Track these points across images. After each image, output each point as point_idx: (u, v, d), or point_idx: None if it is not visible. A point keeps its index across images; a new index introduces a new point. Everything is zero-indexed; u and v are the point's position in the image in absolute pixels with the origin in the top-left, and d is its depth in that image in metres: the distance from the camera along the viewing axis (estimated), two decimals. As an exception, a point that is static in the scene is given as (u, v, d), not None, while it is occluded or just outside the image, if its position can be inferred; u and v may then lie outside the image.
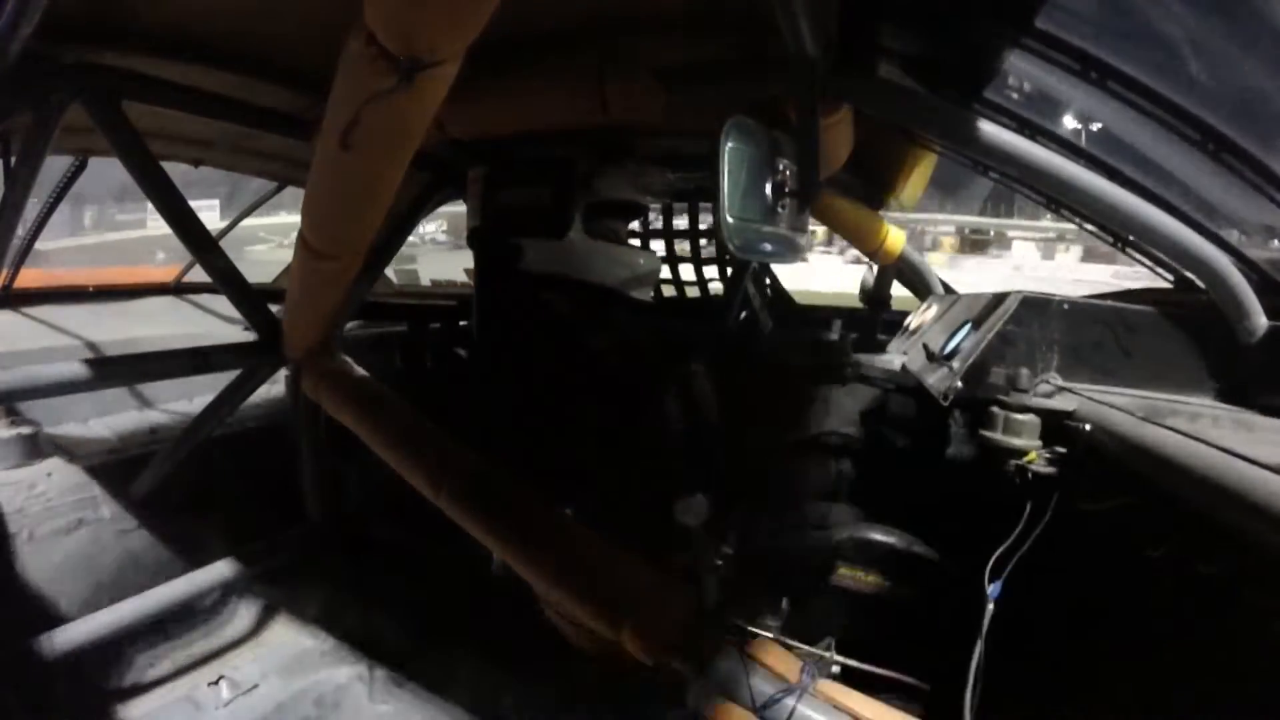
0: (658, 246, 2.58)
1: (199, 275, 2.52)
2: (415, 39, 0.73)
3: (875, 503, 1.30)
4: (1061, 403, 0.90)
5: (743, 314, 2.27)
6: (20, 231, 1.89)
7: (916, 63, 1.17)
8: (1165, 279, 1.67)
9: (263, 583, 1.56)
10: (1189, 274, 1.00)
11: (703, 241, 2.54)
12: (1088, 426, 0.84)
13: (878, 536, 1.20)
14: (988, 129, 1.31)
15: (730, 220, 1.20)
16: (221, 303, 2.40)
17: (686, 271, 2.63)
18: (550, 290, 1.37)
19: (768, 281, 2.40)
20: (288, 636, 1.44)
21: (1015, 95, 1.40)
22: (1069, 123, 1.44)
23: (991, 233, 18.21)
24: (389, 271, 2.69)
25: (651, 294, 1.52)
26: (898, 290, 2.11)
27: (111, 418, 1.82)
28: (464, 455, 1.07)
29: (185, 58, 1.17)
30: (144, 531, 1.51)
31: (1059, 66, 1.22)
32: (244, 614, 1.51)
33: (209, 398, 1.55)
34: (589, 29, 1.13)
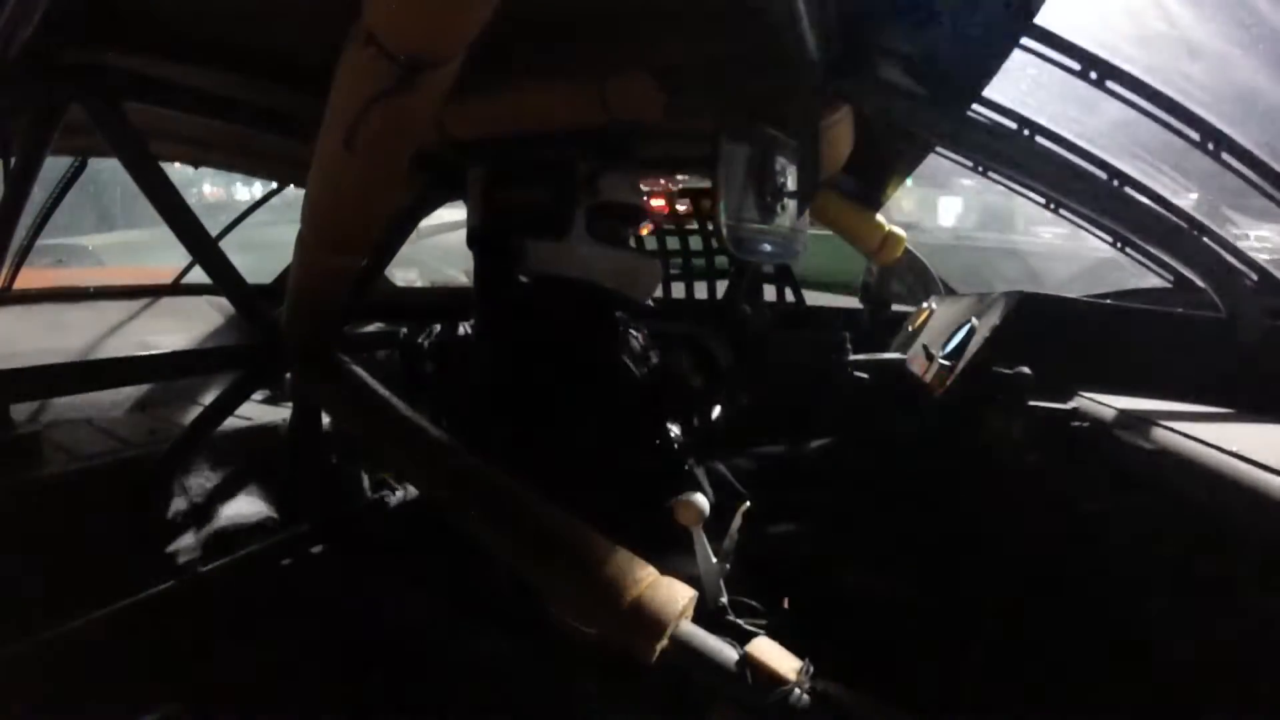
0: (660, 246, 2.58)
1: (199, 276, 2.52)
2: (415, 39, 0.73)
3: (874, 503, 1.30)
4: (1061, 403, 0.90)
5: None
6: (20, 231, 1.89)
7: (916, 63, 1.17)
8: (1165, 279, 1.68)
9: (262, 583, 1.56)
10: (1189, 274, 1.00)
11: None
12: (1088, 426, 0.84)
13: (876, 536, 1.21)
14: (988, 129, 1.31)
15: (729, 221, 1.20)
16: (221, 303, 2.40)
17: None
18: (551, 291, 1.36)
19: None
20: (288, 637, 1.44)
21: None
22: (1068, 122, 1.44)
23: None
24: (389, 271, 2.69)
25: (652, 296, 1.51)
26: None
27: (111, 418, 1.82)
28: (464, 455, 1.07)
29: (185, 58, 1.17)
30: (143, 532, 1.51)
31: (1059, 66, 1.22)
32: (243, 615, 1.51)
33: (209, 398, 1.55)
34: (589, 28, 1.13)
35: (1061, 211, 1.70)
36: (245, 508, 1.78)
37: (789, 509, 1.30)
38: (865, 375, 1.61)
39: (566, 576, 0.89)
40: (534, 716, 1.20)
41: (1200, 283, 0.97)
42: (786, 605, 0.99)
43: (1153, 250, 1.53)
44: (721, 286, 2.45)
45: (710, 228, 2.34)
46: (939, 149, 1.57)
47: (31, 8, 0.84)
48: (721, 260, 2.46)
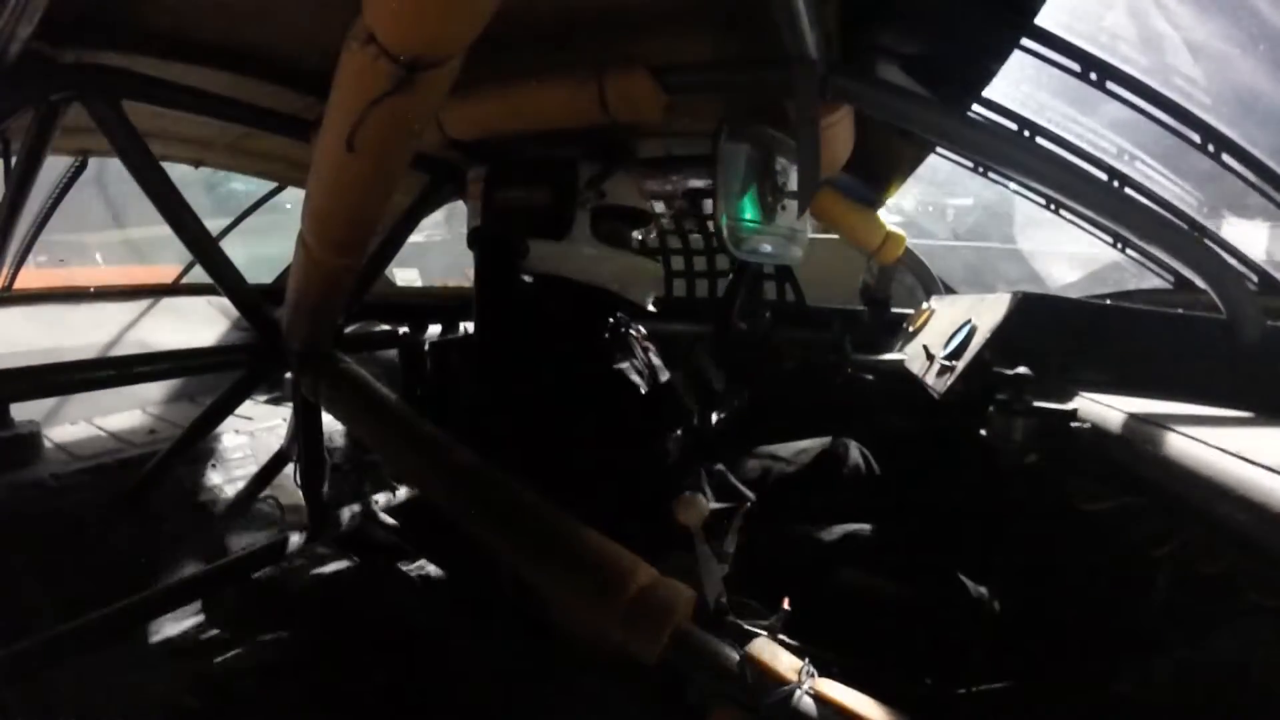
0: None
1: (199, 275, 2.52)
2: (415, 39, 0.73)
3: (874, 503, 1.30)
4: (1061, 403, 0.89)
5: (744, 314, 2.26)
6: (20, 232, 1.89)
7: (916, 63, 1.17)
8: (1165, 279, 1.68)
9: (261, 584, 1.56)
10: (1189, 274, 1.00)
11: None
12: (1088, 426, 0.84)
13: (877, 536, 1.20)
14: (988, 129, 1.31)
15: (729, 221, 1.20)
16: (221, 303, 2.40)
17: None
18: (551, 292, 1.37)
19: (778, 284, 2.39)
20: (285, 638, 1.44)
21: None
22: (1068, 123, 1.45)
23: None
24: (389, 271, 2.69)
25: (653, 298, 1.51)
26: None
27: (111, 418, 1.82)
28: (464, 455, 1.07)
29: (185, 58, 1.17)
30: (143, 532, 1.51)
31: (1059, 67, 1.22)
32: (241, 616, 1.51)
33: (209, 398, 1.55)
34: (589, 28, 1.13)
35: (1061, 212, 1.70)
36: (245, 507, 1.79)
37: (790, 509, 1.30)
38: (864, 375, 1.61)
39: (566, 577, 0.89)
40: (534, 716, 1.20)
41: (1200, 283, 0.97)
42: (786, 605, 0.99)
43: (1153, 250, 1.53)
44: (722, 284, 2.44)
45: (711, 227, 2.34)
46: (939, 149, 1.57)
47: (32, 8, 0.84)
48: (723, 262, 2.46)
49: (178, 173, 1.56)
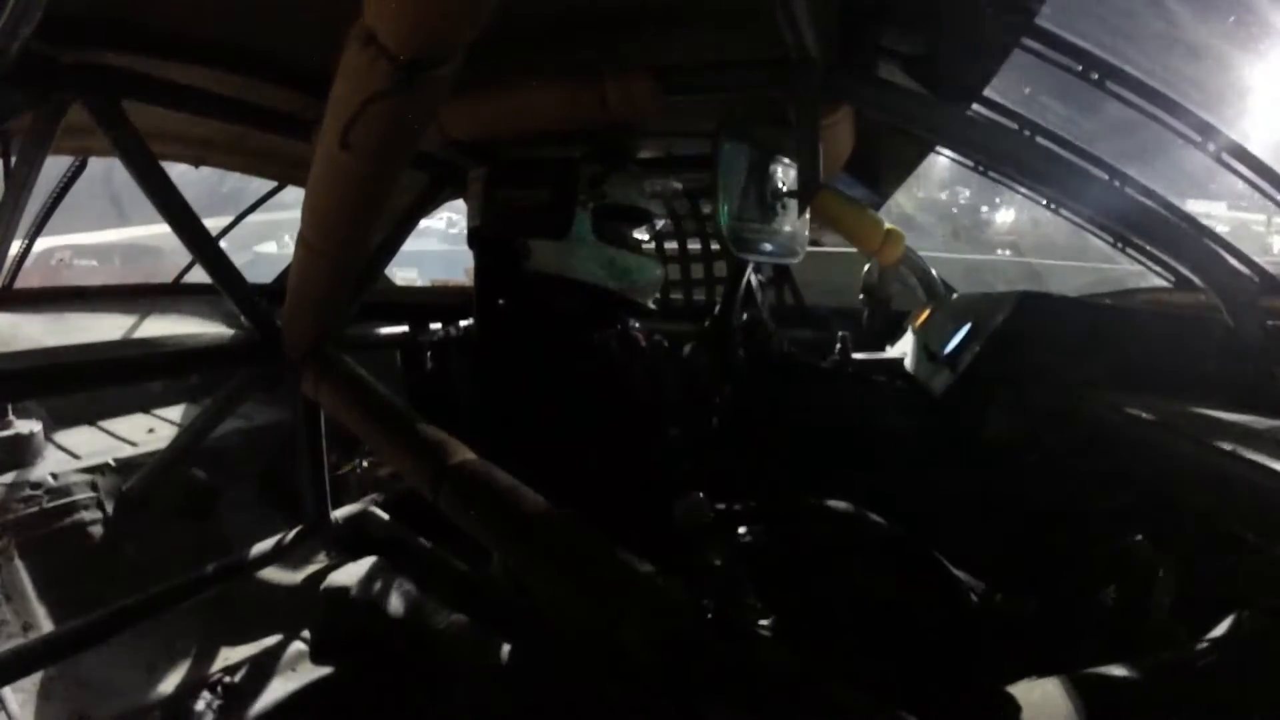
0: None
1: (199, 275, 2.52)
2: (415, 39, 0.73)
3: (874, 503, 1.30)
4: (1061, 402, 0.90)
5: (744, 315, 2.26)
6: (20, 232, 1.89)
7: (916, 63, 1.17)
8: (1165, 279, 1.68)
9: (261, 584, 1.56)
10: (1189, 274, 1.00)
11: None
12: (1088, 426, 0.84)
13: (877, 536, 1.20)
14: (988, 129, 1.31)
15: (729, 221, 1.20)
16: (222, 302, 2.40)
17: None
18: (551, 291, 1.37)
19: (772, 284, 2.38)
20: (285, 638, 1.44)
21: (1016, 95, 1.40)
22: (1068, 123, 1.45)
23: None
24: (389, 271, 2.69)
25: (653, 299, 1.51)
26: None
27: (111, 418, 1.82)
28: (463, 455, 1.07)
29: (185, 58, 1.17)
30: (143, 532, 1.51)
31: (1059, 66, 1.22)
32: (241, 615, 1.51)
33: (209, 398, 1.55)
34: (589, 28, 1.13)
35: (1062, 211, 1.70)
36: (245, 507, 1.79)
37: (789, 510, 1.30)
38: (865, 375, 1.60)
39: (566, 576, 0.89)
40: (534, 716, 1.20)
41: (1201, 283, 0.97)
42: (786, 605, 0.99)
43: (1153, 250, 1.53)
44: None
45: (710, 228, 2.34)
46: (939, 149, 1.57)
47: (32, 8, 0.84)
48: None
49: (177, 171, 1.56)
